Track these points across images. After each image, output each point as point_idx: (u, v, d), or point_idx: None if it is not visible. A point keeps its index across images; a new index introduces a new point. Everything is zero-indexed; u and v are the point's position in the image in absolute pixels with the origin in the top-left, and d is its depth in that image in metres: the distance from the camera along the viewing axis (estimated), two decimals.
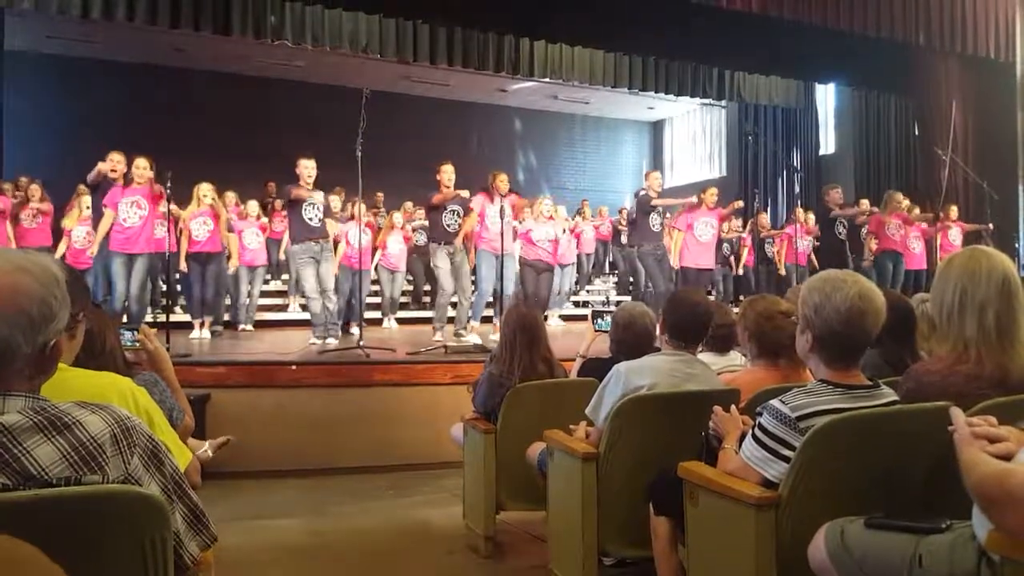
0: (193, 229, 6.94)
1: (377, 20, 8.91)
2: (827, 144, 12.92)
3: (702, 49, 9.60)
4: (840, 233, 8.00)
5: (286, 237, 7.15)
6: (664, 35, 8.99)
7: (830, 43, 8.80)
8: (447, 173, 6.45)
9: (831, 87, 12.49)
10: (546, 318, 8.28)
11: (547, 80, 11.18)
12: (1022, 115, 9.42)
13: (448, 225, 6.44)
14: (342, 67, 11.28)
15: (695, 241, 7.36)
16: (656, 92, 11.59)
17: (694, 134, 15.98)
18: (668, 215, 7.75)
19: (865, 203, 8.79)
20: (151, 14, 7.63)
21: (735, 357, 2.99)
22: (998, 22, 9.11)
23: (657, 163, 16.81)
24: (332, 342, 6.00)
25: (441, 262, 6.45)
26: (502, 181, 6.66)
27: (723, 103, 13.68)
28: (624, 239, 10.49)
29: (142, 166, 5.93)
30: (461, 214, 6.51)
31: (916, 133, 10.27)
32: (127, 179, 5.90)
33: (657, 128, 16.90)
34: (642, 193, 7.49)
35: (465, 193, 6.66)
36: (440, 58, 9.38)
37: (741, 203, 8.26)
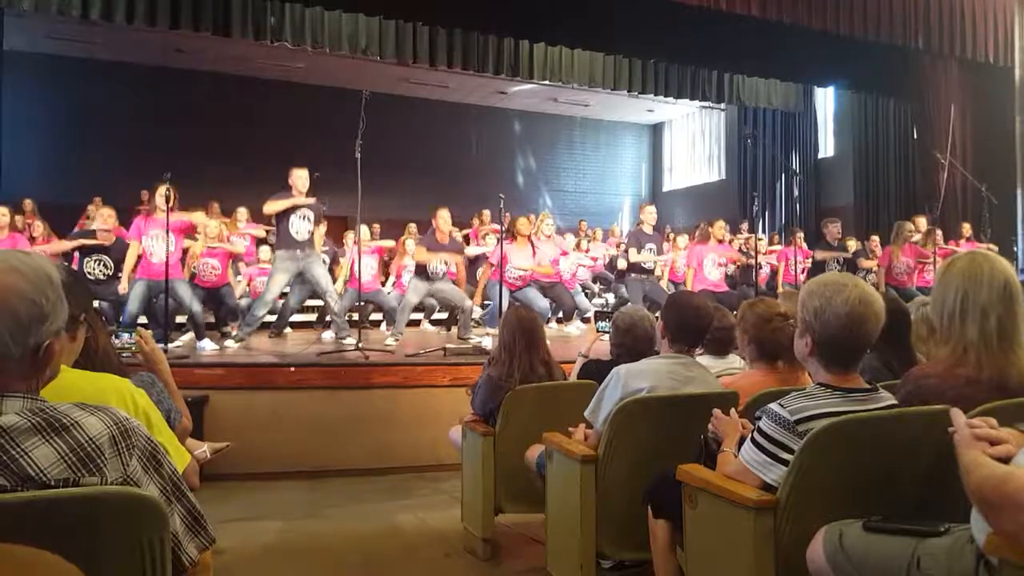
0: (201, 271, 6.68)
1: (377, 22, 8.91)
2: (826, 147, 12.94)
3: (701, 52, 9.61)
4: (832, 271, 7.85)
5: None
6: (663, 38, 8.99)
7: (829, 46, 8.81)
8: (443, 219, 6.62)
9: (830, 90, 12.51)
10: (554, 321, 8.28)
11: (546, 82, 11.19)
12: (1020, 119, 9.44)
13: (433, 272, 6.66)
14: (341, 69, 11.28)
15: (703, 278, 7.32)
16: (655, 95, 11.59)
17: (693, 137, 16.00)
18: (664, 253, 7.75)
19: (876, 239, 8.64)
20: (151, 15, 7.62)
21: (734, 360, 2.99)
22: (997, 26, 9.13)
23: (656, 166, 16.84)
24: (350, 341, 5.95)
25: (415, 287, 6.69)
26: (523, 226, 6.97)
27: (722, 106, 13.69)
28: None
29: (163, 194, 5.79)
30: (449, 262, 6.74)
31: (915, 137, 10.28)
32: (152, 209, 5.81)
33: (656, 131, 16.92)
34: (635, 230, 7.61)
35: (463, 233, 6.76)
36: (440, 60, 9.38)
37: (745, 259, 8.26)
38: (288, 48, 8.96)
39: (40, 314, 1.08)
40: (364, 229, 7.74)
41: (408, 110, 12.97)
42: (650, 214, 7.43)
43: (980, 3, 9.01)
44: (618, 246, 10.48)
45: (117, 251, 5.98)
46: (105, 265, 5.95)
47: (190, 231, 6.24)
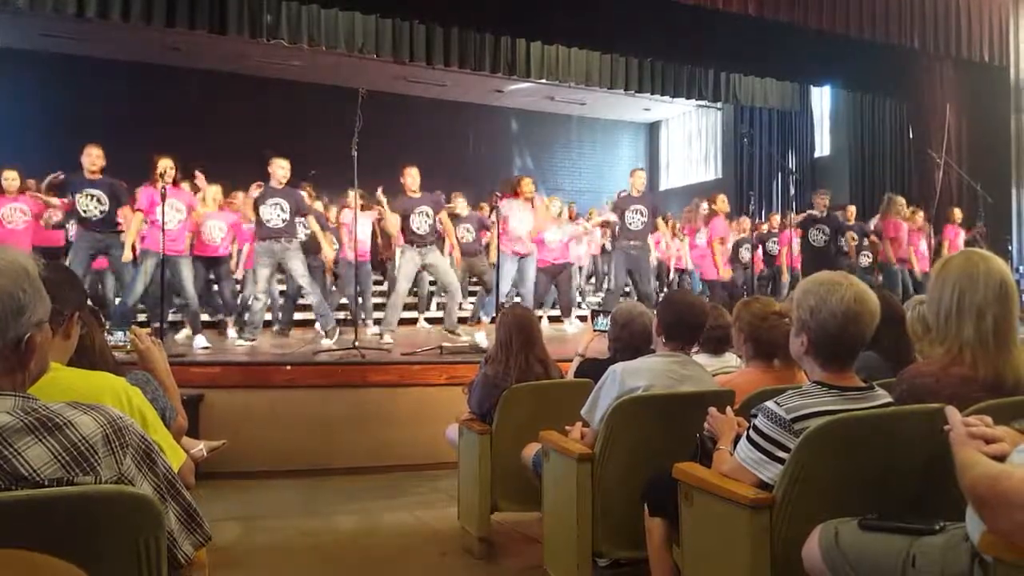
0: (205, 232, 6.65)
1: (374, 20, 8.91)
2: (822, 146, 12.97)
3: (698, 51, 9.63)
4: (816, 240, 7.77)
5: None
6: (660, 37, 9.01)
7: (825, 46, 8.83)
8: (411, 177, 6.33)
9: (826, 90, 12.54)
10: (552, 319, 8.27)
11: (543, 81, 11.19)
12: (1016, 118, 9.47)
13: (417, 228, 6.24)
14: (338, 67, 11.26)
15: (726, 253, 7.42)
16: (652, 94, 11.60)
17: (690, 136, 16.02)
18: (665, 217, 7.74)
19: (851, 209, 8.72)
20: (147, 13, 7.62)
21: (730, 358, 2.99)
22: (992, 26, 9.15)
23: (653, 165, 16.84)
24: (326, 342, 5.97)
25: (405, 264, 6.33)
26: (528, 184, 6.91)
27: (719, 105, 13.71)
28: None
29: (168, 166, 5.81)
30: (431, 214, 6.31)
31: (911, 136, 10.30)
32: (155, 179, 5.79)
33: (653, 129, 16.92)
34: (623, 194, 7.53)
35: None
36: (437, 58, 9.38)
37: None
38: (284, 46, 8.95)
39: (17, 307, 1.08)
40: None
41: (405, 108, 12.95)
42: (639, 178, 7.23)
43: (976, 3, 9.03)
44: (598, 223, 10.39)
45: (104, 186, 5.85)
46: (99, 200, 5.81)
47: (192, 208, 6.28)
